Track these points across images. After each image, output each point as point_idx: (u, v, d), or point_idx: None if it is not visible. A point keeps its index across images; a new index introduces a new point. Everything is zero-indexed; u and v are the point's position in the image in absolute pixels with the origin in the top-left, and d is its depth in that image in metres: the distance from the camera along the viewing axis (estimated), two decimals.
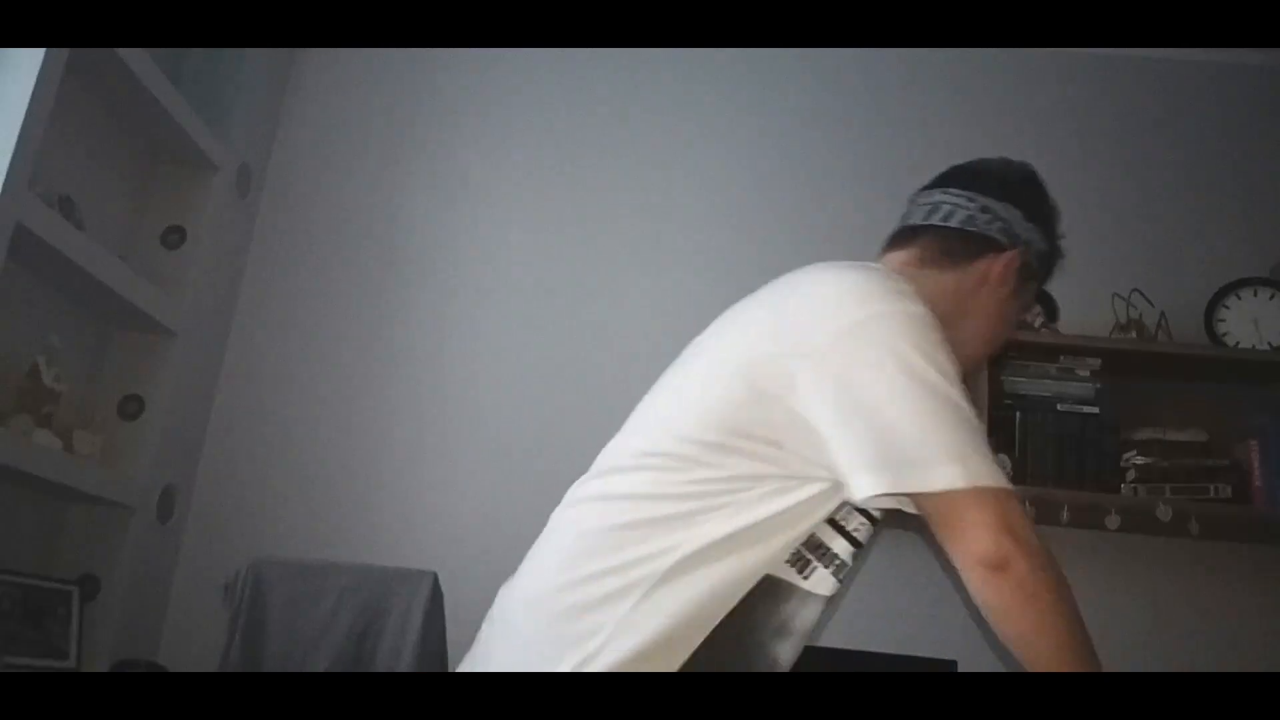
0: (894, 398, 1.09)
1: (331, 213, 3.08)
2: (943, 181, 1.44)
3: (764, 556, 1.14)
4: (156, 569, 2.68)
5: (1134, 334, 2.71)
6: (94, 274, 2.33)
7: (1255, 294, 2.70)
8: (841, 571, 1.24)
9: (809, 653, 2.58)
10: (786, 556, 1.17)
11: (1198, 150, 3.07)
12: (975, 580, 1.08)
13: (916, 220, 1.42)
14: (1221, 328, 2.69)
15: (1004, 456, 2.53)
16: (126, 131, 2.66)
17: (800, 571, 1.19)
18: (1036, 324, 2.73)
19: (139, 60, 2.43)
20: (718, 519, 1.13)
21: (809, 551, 1.19)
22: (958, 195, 1.39)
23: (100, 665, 2.41)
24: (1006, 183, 1.40)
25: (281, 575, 2.16)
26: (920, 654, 2.58)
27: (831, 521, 1.20)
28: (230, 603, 2.14)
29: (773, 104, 3.16)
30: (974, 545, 1.06)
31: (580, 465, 2.94)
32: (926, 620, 2.67)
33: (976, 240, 1.36)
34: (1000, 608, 1.07)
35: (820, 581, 1.22)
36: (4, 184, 2.01)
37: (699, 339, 1.40)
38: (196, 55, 2.92)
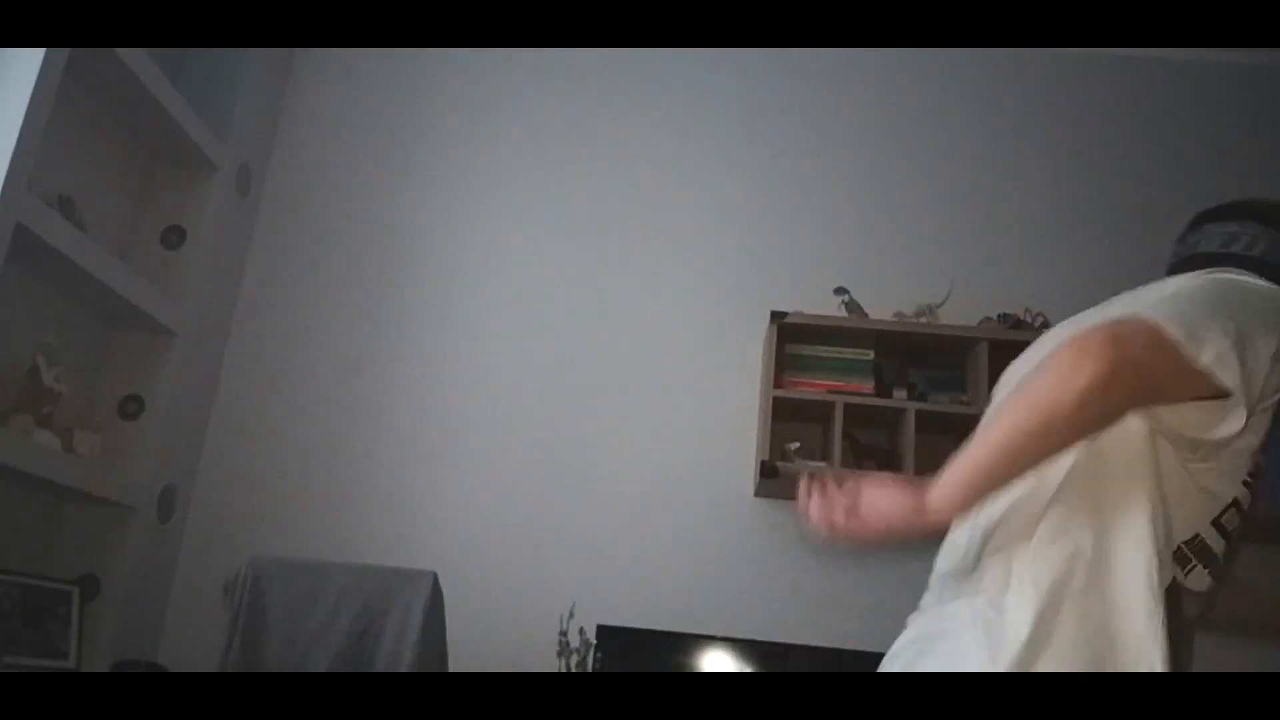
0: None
1: (331, 212, 3.08)
2: (1231, 214, 1.46)
3: None
4: (156, 569, 2.68)
5: None
6: (94, 274, 2.33)
7: None
8: (1213, 564, 1.24)
9: (809, 653, 2.59)
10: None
11: (1198, 150, 3.07)
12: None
13: (1213, 248, 1.43)
14: None
15: None
16: (126, 131, 2.66)
17: (1182, 568, 1.20)
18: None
19: (139, 60, 2.43)
20: None
21: (1190, 551, 1.21)
22: (1255, 227, 1.41)
23: (100, 665, 2.41)
24: None
25: (281, 575, 2.15)
26: None
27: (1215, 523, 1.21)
28: (230, 603, 2.14)
29: (775, 105, 3.16)
30: (1084, 332, 1.10)
31: (579, 464, 2.96)
32: None
33: (1273, 272, 1.37)
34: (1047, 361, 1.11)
35: (1198, 579, 1.23)
36: (4, 184, 2.01)
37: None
38: (196, 55, 2.92)
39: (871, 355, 2.71)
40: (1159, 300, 1.17)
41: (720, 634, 2.60)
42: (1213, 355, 1.08)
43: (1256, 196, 1.48)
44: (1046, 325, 2.76)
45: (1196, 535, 1.18)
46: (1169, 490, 1.15)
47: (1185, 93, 3.14)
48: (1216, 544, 1.20)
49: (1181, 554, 1.18)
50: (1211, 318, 1.12)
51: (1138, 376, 1.08)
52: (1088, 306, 3.09)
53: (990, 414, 1.25)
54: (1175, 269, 1.47)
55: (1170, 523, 1.15)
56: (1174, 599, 1.14)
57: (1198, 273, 1.26)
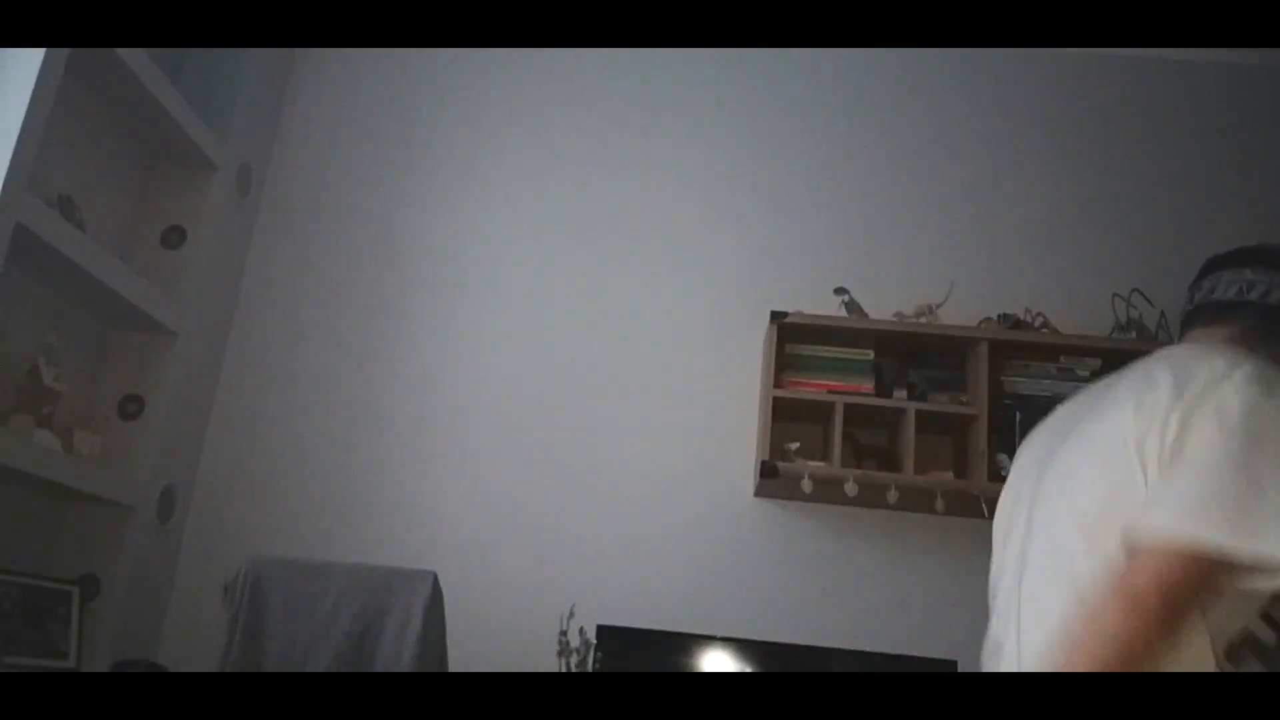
0: (1202, 450, 1.14)
1: (331, 212, 3.08)
2: (1245, 260, 1.47)
3: None
4: (156, 569, 2.68)
5: (1134, 334, 2.71)
6: (94, 274, 2.33)
7: None
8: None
9: (810, 653, 2.59)
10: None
11: (1198, 150, 3.08)
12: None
13: (1228, 296, 1.45)
14: None
15: (1004, 456, 2.53)
16: (126, 131, 2.66)
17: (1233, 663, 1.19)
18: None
19: (139, 60, 2.42)
20: None
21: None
22: (1269, 274, 1.43)
23: (100, 665, 2.41)
24: None
25: (281, 575, 2.15)
26: (920, 654, 2.58)
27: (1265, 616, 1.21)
28: (230, 603, 2.14)
29: (775, 105, 3.16)
30: (1130, 573, 1.10)
31: (579, 464, 2.96)
32: (926, 620, 2.67)
33: None
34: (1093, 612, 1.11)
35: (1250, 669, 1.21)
36: (4, 184, 2.00)
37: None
38: (196, 55, 2.92)
39: (871, 355, 2.71)
40: (1203, 448, 1.13)
41: (720, 634, 2.60)
42: (1269, 544, 1.07)
43: (1266, 242, 1.49)
44: (1046, 325, 2.77)
45: (1244, 628, 1.17)
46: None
47: (1185, 93, 3.14)
48: (1266, 635, 1.18)
49: (1230, 647, 1.17)
50: (1261, 485, 1.10)
51: (1192, 600, 1.09)
52: (1088, 306, 3.09)
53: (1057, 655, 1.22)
54: (1191, 317, 1.48)
55: (1219, 620, 1.15)
56: None
57: (1240, 381, 1.18)
